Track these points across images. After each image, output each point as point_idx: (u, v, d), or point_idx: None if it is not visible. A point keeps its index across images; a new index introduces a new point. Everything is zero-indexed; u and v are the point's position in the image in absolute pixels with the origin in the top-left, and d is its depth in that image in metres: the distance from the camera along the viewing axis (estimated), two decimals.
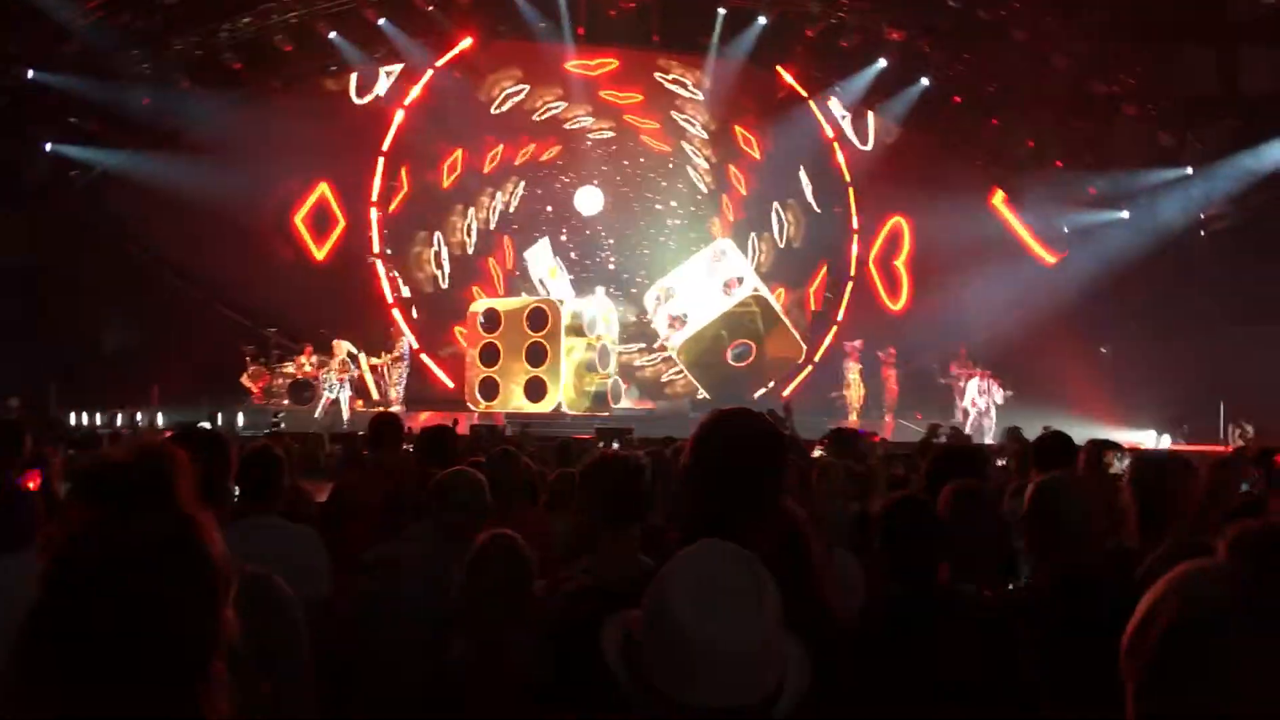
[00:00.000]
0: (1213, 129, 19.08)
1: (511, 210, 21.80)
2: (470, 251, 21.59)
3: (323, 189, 20.63)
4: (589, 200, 21.68)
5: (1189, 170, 19.34)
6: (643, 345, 21.60)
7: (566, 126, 21.75)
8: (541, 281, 19.78)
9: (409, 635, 3.50)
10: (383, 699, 3.54)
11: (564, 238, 21.57)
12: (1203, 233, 19.74)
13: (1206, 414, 17.83)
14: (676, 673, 1.51)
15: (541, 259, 19.95)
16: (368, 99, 20.54)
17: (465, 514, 3.76)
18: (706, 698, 1.49)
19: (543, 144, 21.77)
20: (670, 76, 21.79)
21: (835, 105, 21.71)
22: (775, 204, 22.31)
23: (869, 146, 21.95)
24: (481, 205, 21.66)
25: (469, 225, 21.62)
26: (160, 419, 15.87)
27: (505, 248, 21.65)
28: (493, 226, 21.63)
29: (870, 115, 21.64)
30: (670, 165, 22.09)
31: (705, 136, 22.11)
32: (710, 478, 2.21)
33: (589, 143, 21.88)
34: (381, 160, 20.46)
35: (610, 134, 21.91)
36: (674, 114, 21.93)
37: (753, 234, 22.01)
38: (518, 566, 3.06)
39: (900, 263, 22.39)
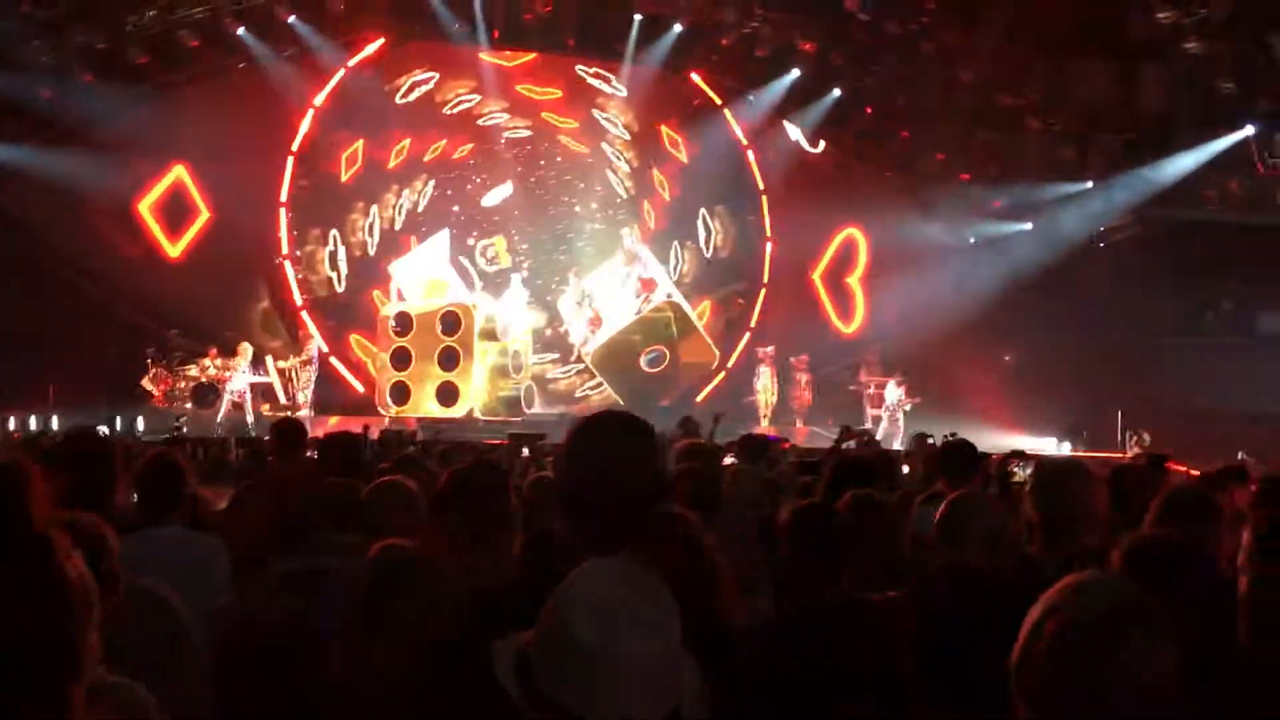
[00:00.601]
0: (1111, 143, 19.68)
1: (420, 210, 20.81)
2: (371, 253, 20.51)
3: (179, 173, 19.06)
4: (498, 195, 21.01)
5: (1089, 184, 19.91)
6: (556, 356, 21.13)
7: (480, 123, 20.99)
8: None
9: (325, 652, 3.43)
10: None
11: (472, 241, 20.97)
12: (1101, 245, 20.32)
13: (1105, 422, 18.35)
14: (576, 689, 1.49)
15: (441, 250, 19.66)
16: None
17: (398, 525, 3.69)
18: (598, 712, 1.48)
19: (454, 140, 20.88)
20: (592, 70, 21.33)
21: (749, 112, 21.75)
22: (703, 210, 22.13)
23: (819, 148, 21.69)
24: (386, 204, 20.60)
25: (370, 224, 20.57)
26: (56, 422, 15.37)
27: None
28: (398, 227, 20.63)
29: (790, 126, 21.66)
30: (589, 164, 21.52)
31: (627, 137, 21.73)
32: (584, 489, 2.12)
33: (503, 141, 21.13)
34: (291, 160, 19.98)
35: (527, 133, 21.21)
36: (595, 112, 21.42)
37: (675, 242, 21.76)
38: (415, 575, 3.01)
39: (854, 279, 22.48)
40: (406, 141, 20.58)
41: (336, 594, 3.46)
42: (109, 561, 2.34)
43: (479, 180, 21.17)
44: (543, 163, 21.55)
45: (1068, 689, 1.58)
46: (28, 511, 1.48)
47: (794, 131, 21.55)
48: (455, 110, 20.98)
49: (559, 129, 21.53)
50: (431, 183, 20.86)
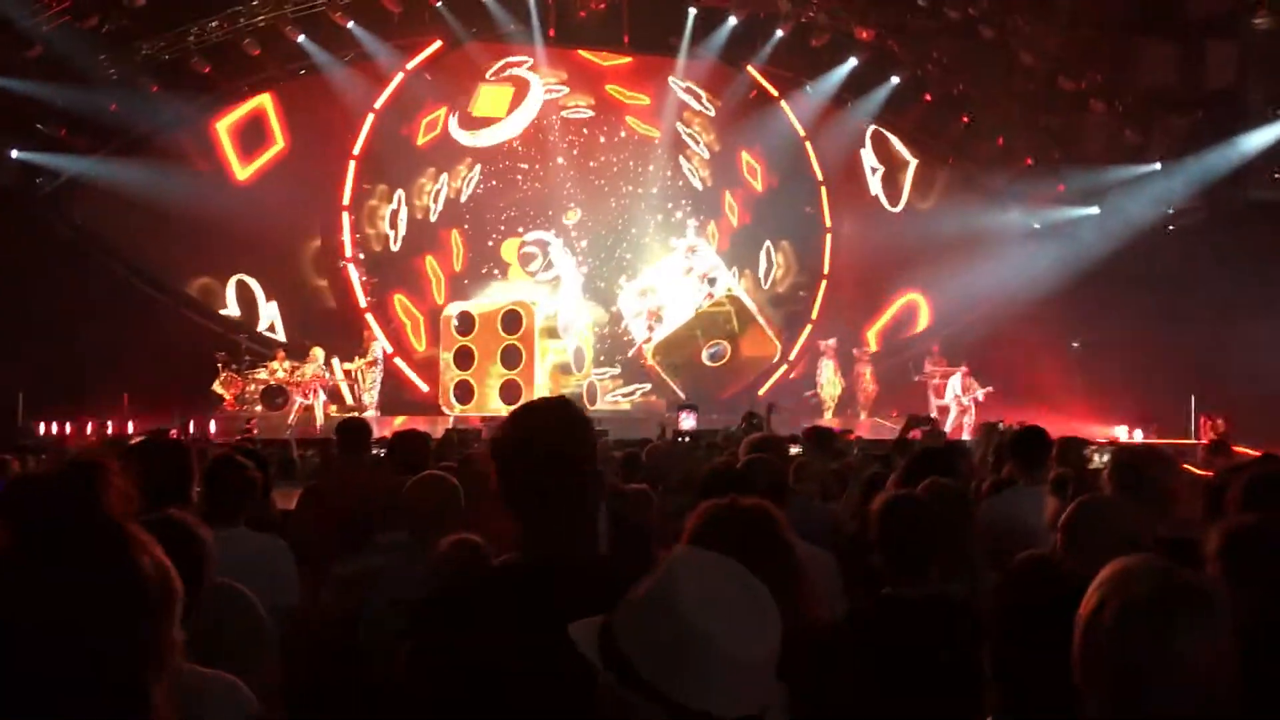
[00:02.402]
0: (1178, 123, 19.23)
1: (481, 190, 21.10)
2: (433, 219, 20.82)
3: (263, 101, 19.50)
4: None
5: (1157, 166, 19.47)
6: (618, 372, 20.97)
7: (564, 115, 21.23)
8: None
9: (380, 650, 3.45)
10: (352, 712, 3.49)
11: (522, 231, 21.14)
12: (1170, 228, 19.87)
13: (1177, 408, 17.94)
14: (668, 667, 1.45)
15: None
16: None
17: (438, 520, 3.71)
18: (691, 697, 1.45)
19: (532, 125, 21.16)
20: (685, 84, 21.47)
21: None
22: (768, 242, 21.99)
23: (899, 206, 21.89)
24: (457, 174, 20.88)
25: (438, 191, 20.83)
26: (131, 427, 15.68)
27: (453, 241, 21.09)
28: (464, 199, 20.89)
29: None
30: (657, 148, 21.52)
31: (706, 156, 21.87)
32: (523, 487, 2.11)
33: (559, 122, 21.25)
34: (353, 164, 20.23)
35: (589, 112, 21.35)
36: (679, 125, 21.58)
37: (734, 268, 21.45)
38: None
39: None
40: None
41: (392, 591, 3.48)
42: (201, 555, 2.36)
43: (535, 169, 21.27)
44: (602, 140, 21.58)
45: (1120, 672, 1.60)
46: (102, 505, 1.48)
47: (874, 185, 21.56)
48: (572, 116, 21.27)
49: (625, 106, 21.54)
50: (478, 167, 21.05)
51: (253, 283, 19.65)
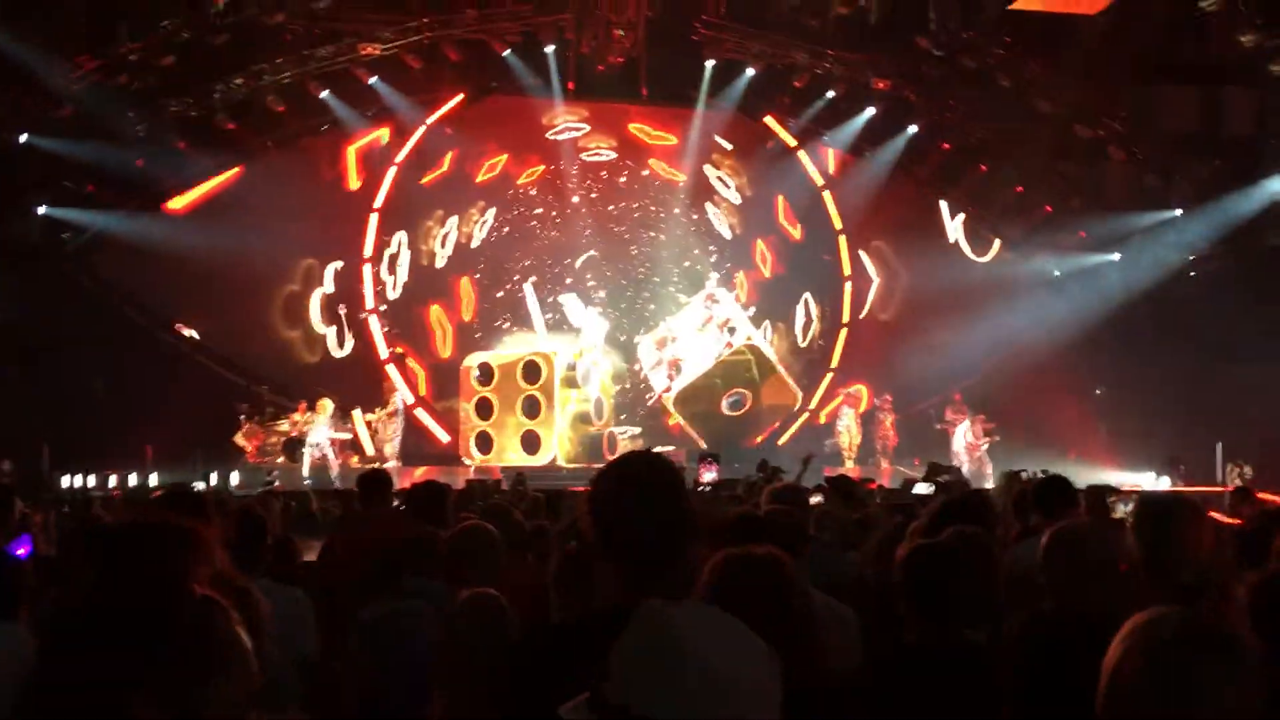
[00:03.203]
0: (1198, 170, 19.22)
1: (494, 237, 21.20)
2: (440, 265, 20.97)
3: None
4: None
5: (1178, 212, 19.44)
6: (639, 432, 20.66)
7: (584, 157, 21.42)
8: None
9: (408, 697, 3.43)
10: None
11: (535, 278, 21.17)
12: (1193, 274, 19.80)
13: (1203, 455, 17.78)
14: (676, 707, 1.46)
15: (576, 308, 20.08)
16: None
17: (478, 568, 3.70)
18: None
19: (551, 166, 21.39)
20: (718, 174, 21.75)
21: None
22: (806, 294, 21.95)
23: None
24: (469, 218, 21.01)
25: (446, 235, 20.97)
26: (154, 479, 15.76)
27: (463, 289, 21.12)
28: (475, 244, 21.08)
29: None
30: (681, 192, 21.72)
31: (737, 201, 21.97)
32: (618, 530, 2.12)
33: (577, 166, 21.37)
34: (375, 216, 20.41)
35: (610, 154, 21.51)
36: (707, 167, 21.72)
37: (767, 321, 21.58)
38: (497, 623, 3.01)
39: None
40: (503, 158, 21.03)
41: (420, 637, 3.47)
42: (258, 620, 2.37)
43: (551, 215, 21.39)
44: (623, 182, 21.65)
45: (1151, 716, 1.56)
46: (189, 577, 1.49)
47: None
48: (590, 159, 21.45)
49: (649, 148, 21.63)
50: (491, 211, 21.20)
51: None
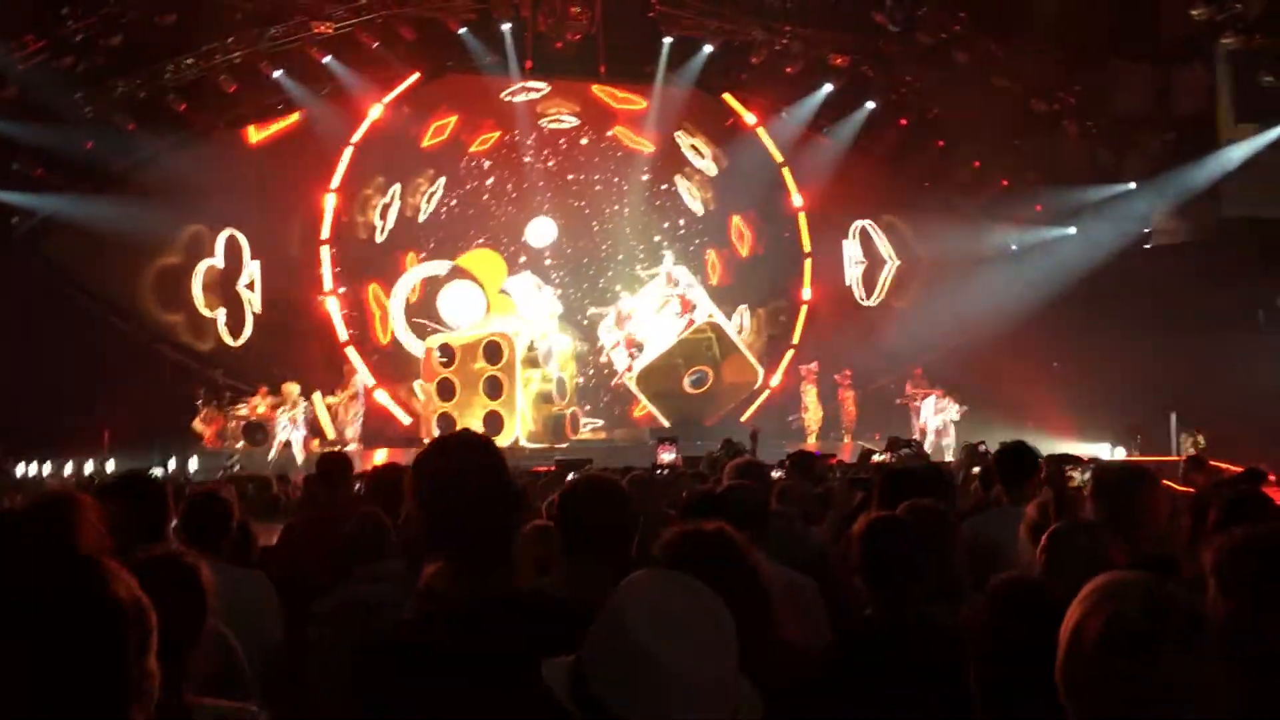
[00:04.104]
0: (1151, 144, 19.42)
1: (443, 212, 20.73)
2: (421, 220, 20.67)
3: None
4: (541, 233, 20.94)
5: (1132, 185, 19.65)
6: (600, 425, 20.74)
7: (544, 124, 21.02)
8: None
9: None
10: None
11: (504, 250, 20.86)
12: (1147, 246, 20.03)
13: (1159, 425, 18.04)
14: (631, 695, 1.47)
15: (524, 289, 19.80)
16: None
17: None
18: None
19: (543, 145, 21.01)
20: (690, 142, 21.54)
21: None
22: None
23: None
24: (415, 188, 20.64)
25: (433, 193, 20.69)
26: (111, 465, 15.57)
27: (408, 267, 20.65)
28: (422, 218, 20.67)
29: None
30: (654, 176, 21.44)
31: (712, 173, 21.86)
32: (440, 510, 2.14)
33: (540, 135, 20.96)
34: (332, 197, 20.20)
35: (573, 120, 21.12)
36: (681, 136, 21.53)
37: (744, 305, 21.65)
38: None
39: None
40: (453, 120, 20.74)
41: (375, 625, 3.44)
42: (201, 592, 2.34)
43: (505, 188, 21.04)
44: (583, 149, 21.33)
45: (1105, 690, 1.58)
46: (75, 536, 1.50)
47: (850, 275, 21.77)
48: (550, 126, 21.21)
49: (614, 113, 21.29)
50: (441, 181, 20.81)
51: (241, 237, 19.46)
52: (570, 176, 21.29)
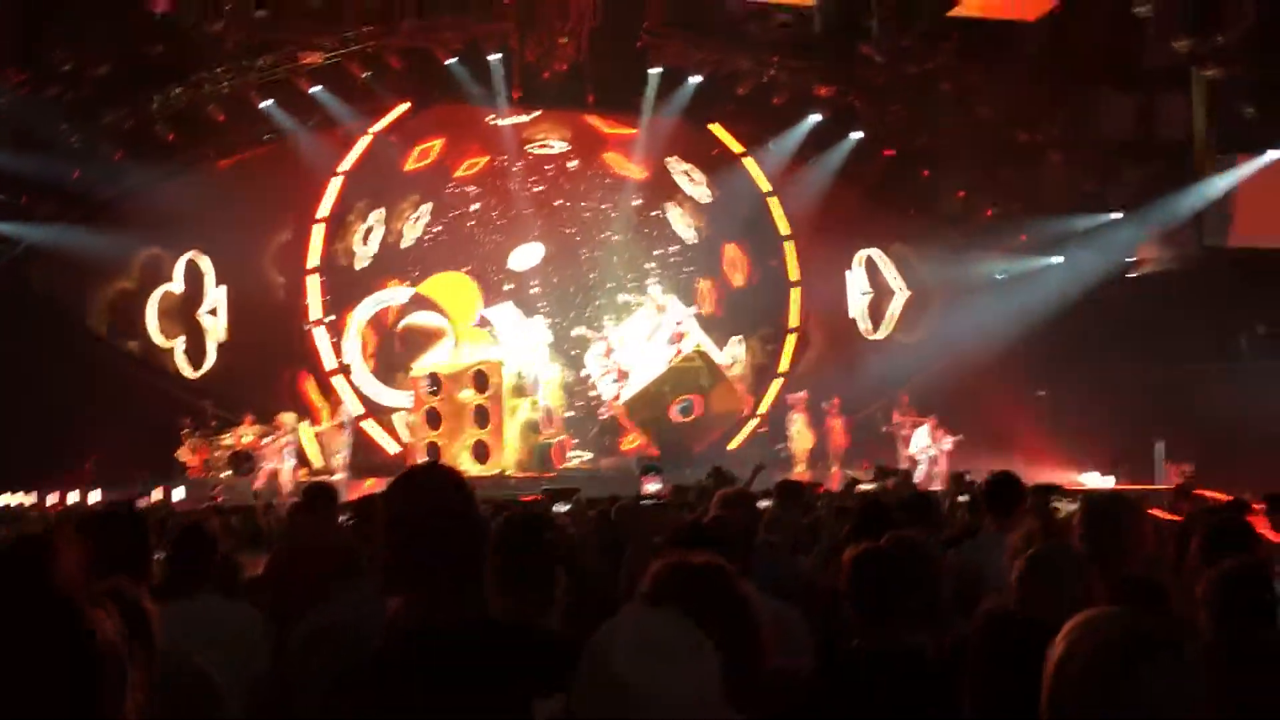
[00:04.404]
0: (1135, 174, 19.59)
1: (428, 239, 20.50)
2: (404, 246, 20.47)
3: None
4: (527, 257, 20.75)
5: (1118, 215, 19.81)
6: (589, 457, 20.52)
7: (530, 149, 20.98)
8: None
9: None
10: None
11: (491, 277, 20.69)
12: (1130, 275, 20.17)
13: (1145, 454, 18.10)
14: None
15: (507, 320, 19.73)
16: None
17: None
18: None
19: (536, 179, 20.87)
20: (683, 168, 21.58)
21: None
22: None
23: None
24: (399, 213, 20.42)
25: (418, 219, 20.48)
26: (95, 495, 15.46)
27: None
28: (405, 244, 20.46)
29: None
30: (644, 203, 21.38)
31: (705, 200, 21.81)
32: (409, 546, 2.16)
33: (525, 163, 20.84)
34: (321, 227, 20.19)
35: (563, 145, 21.06)
36: (673, 162, 21.57)
37: (740, 335, 21.61)
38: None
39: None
40: (438, 143, 20.72)
41: (347, 650, 3.42)
42: (149, 631, 2.32)
43: (491, 215, 20.89)
44: (572, 176, 21.28)
45: (1094, 716, 1.57)
46: (51, 577, 1.48)
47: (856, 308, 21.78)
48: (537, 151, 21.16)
49: (605, 138, 21.25)
50: (426, 207, 20.62)
51: (205, 261, 19.17)
52: (558, 203, 21.23)
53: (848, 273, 22.23)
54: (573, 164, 21.37)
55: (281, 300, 19.97)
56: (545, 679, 1.69)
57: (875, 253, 22.19)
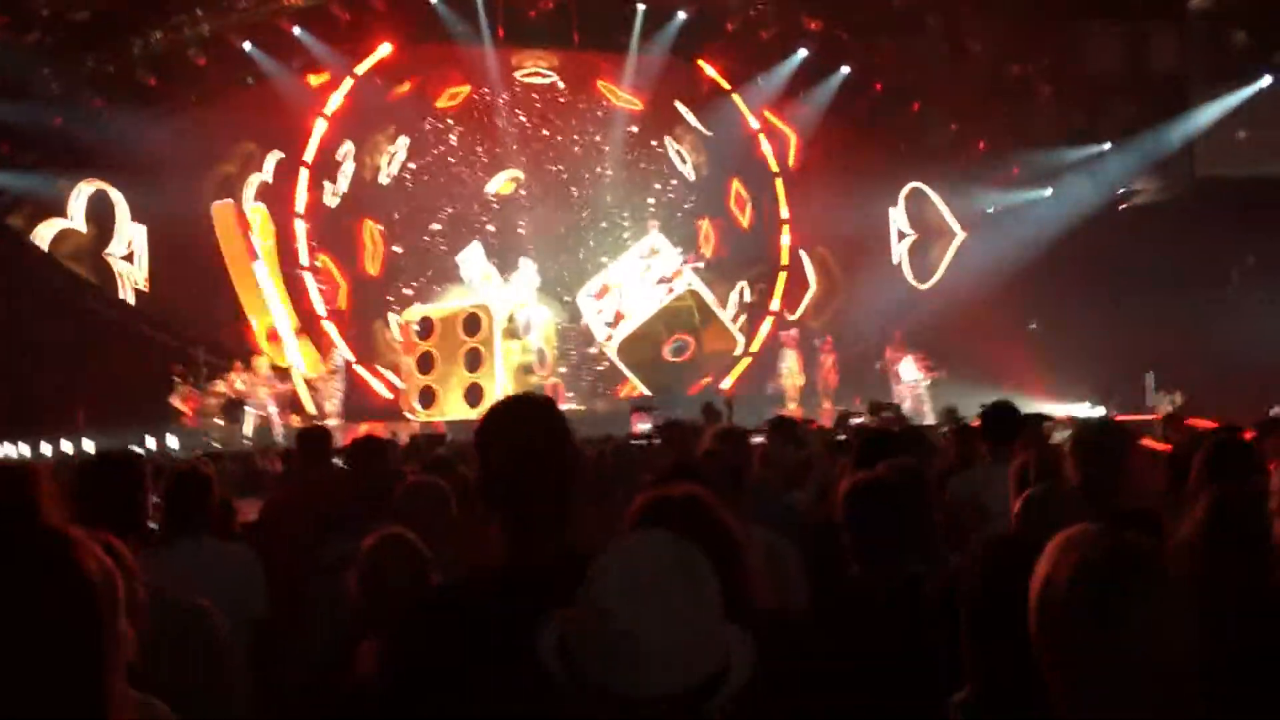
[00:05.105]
0: (1125, 105, 19.49)
1: (407, 176, 19.91)
2: (384, 181, 20.03)
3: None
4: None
5: (1106, 146, 19.72)
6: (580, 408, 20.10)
7: (519, 76, 20.45)
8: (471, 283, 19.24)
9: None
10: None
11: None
12: (1122, 207, 20.14)
13: (1136, 384, 18.19)
14: (604, 662, 1.49)
15: (475, 263, 19.55)
16: None
17: (430, 524, 3.68)
18: (631, 686, 1.47)
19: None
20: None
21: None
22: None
23: None
24: (375, 146, 19.85)
25: (394, 154, 19.99)
26: (87, 445, 15.46)
27: (367, 235, 20.04)
28: (383, 179, 19.97)
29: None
30: (642, 135, 20.91)
31: (692, 179, 21.59)
32: (504, 474, 2.15)
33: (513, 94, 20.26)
34: (305, 171, 19.96)
35: (551, 76, 20.48)
36: (668, 140, 21.29)
37: (742, 281, 21.48)
38: (414, 564, 3.02)
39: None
40: (464, 89, 20.36)
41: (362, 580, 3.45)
42: (130, 578, 2.33)
43: (474, 149, 20.44)
44: (561, 108, 20.82)
45: (1076, 634, 1.59)
46: (39, 508, 1.50)
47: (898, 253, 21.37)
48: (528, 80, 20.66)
49: (599, 65, 20.67)
50: (403, 140, 20.11)
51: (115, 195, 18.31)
52: (546, 133, 20.73)
53: (891, 209, 21.87)
54: (562, 99, 20.86)
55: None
56: None
57: (920, 185, 21.71)
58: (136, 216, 18.34)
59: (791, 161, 21.82)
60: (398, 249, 20.17)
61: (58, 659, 1.38)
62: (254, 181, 19.33)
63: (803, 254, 21.93)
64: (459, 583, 2.28)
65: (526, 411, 2.22)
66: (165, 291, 18.58)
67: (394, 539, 3.10)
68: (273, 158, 19.36)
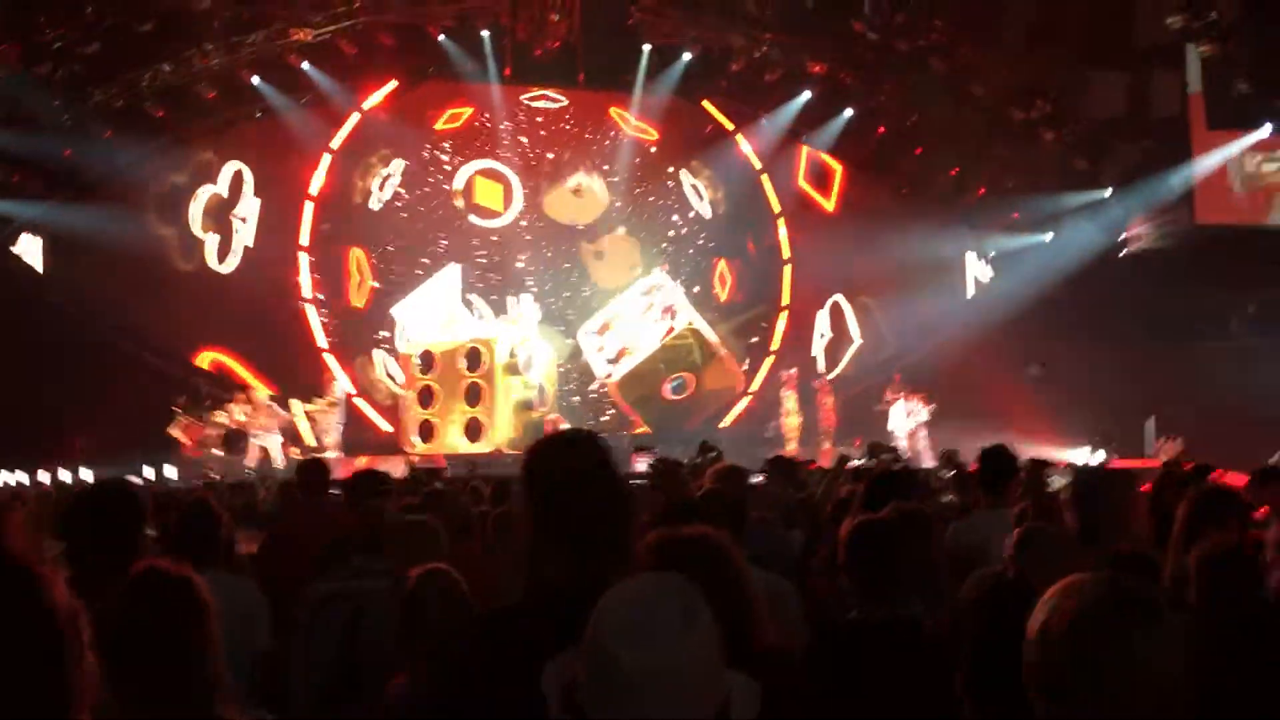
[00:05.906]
0: (1127, 152, 19.61)
1: (399, 204, 19.80)
2: (375, 207, 19.88)
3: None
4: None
5: (1107, 192, 19.82)
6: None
7: (525, 100, 20.45)
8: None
9: (363, 672, 3.43)
10: None
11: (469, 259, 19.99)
12: (1122, 253, 20.21)
13: (1136, 430, 18.17)
14: (604, 702, 1.49)
15: (445, 289, 19.36)
16: None
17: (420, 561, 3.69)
18: None
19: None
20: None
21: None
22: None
23: None
24: (369, 170, 19.73)
25: (388, 177, 19.90)
26: (86, 476, 15.42)
27: (352, 264, 19.90)
28: (374, 204, 19.85)
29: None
30: (656, 167, 20.94)
31: (707, 216, 21.47)
32: (555, 510, 2.15)
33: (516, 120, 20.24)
34: (310, 205, 20.04)
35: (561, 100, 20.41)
36: (684, 173, 21.30)
37: None
38: (454, 601, 3.02)
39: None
40: (466, 111, 20.33)
41: (373, 612, 3.45)
42: (201, 600, 2.33)
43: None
44: (568, 134, 20.75)
45: (1073, 677, 1.59)
46: (5, 541, 1.49)
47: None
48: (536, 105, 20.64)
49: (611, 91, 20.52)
50: (398, 164, 19.97)
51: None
52: (551, 156, 20.75)
53: (818, 313, 22.00)
54: (570, 123, 20.83)
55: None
56: None
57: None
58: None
59: (833, 202, 21.79)
60: (380, 285, 19.93)
61: (21, 694, 1.37)
62: (203, 195, 19.25)
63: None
64: (512, 610, 2.27)
65: (576, 440, 2.27)
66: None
67: (435, 573, 3.11)
68: (230, 168, 19.31)
